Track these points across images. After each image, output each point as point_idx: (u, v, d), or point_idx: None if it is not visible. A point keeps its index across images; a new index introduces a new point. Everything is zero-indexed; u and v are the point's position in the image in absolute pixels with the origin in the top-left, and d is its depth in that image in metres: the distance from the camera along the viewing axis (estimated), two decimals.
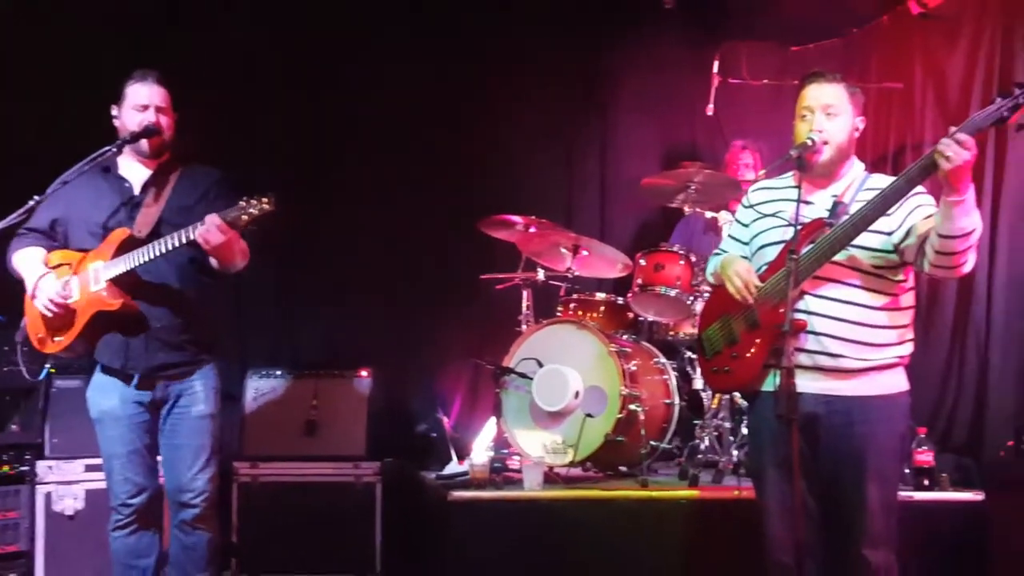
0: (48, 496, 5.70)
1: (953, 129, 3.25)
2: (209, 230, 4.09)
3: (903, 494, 4.72)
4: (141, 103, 4.44)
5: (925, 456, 5.32)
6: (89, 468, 5.75)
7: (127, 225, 4.38)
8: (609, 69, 7.51)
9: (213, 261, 4.39)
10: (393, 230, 6.93)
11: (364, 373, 6.31)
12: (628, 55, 7.47)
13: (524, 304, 6.36)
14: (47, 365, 4.53)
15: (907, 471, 5.23)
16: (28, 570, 5.61)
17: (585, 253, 6.24)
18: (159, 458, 4.60)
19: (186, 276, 4.49)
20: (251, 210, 4.09)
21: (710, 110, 6.97)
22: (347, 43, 7.09)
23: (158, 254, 4.23)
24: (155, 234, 4.34)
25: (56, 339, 4.43)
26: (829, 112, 3.68)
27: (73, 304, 4.33)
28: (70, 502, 5.73)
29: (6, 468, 5.66)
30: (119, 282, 4.30)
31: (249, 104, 6.80)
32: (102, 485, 5.66)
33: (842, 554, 3.63)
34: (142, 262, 4.25)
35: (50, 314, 4.32)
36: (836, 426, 3.60)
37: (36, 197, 4.20)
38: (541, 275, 6.34)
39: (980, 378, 5.86)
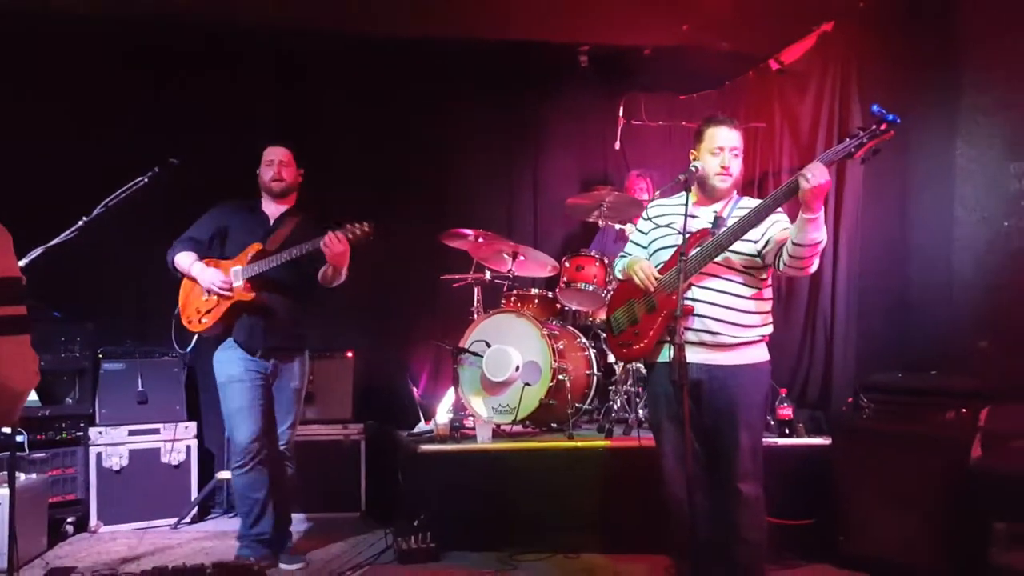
0: (99, 455, 5.75)
1: (817, 158, 3.34)
2: (331, 239, 4.43)
3: (768, 440, 4.85)
4: (268, 159, 4.87)
5: (785, 410, 5.39)
6: (132, 433, 5.84)
7: (262, 241, 4.72)
8: (538, 115, 7.47)
9: (320, 274, 4.66)
10: (373, 243, 6.86)
11: (350, 354, 6.34)
12: (552, 104, 7.47)
13: (475, 298, 6.33)
14: (193, 341, 4.78)
15: (771, 422, 5.31)
16: (84, 514, 5.69)
17: (522, 258, 6.23)
18: None
19: (299, 284, 4.79)
20: (356, 230, 4.47)
21: (617, 146, 7.06)
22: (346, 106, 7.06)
23: (285, 260, 4.54)
24: (282, 249, 4.63)
25: (203, 321, 4.69)
26: (735, 153, 3.74)
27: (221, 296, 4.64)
28: (116, 460, 5.78)
29: (64, 434, 5.71)
30: (253, 281, 4.65)
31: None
32: (143, 446, 5.84)
33: (721, 487, 3.67)
34: (272, 266, 4.58)
35: (216, 291, 4.60)
36: (715, 389, 3.64)
37: (84, 218, 4.20)
38: (488, 276, 6.31)
39: (827, 350, 5.88)
